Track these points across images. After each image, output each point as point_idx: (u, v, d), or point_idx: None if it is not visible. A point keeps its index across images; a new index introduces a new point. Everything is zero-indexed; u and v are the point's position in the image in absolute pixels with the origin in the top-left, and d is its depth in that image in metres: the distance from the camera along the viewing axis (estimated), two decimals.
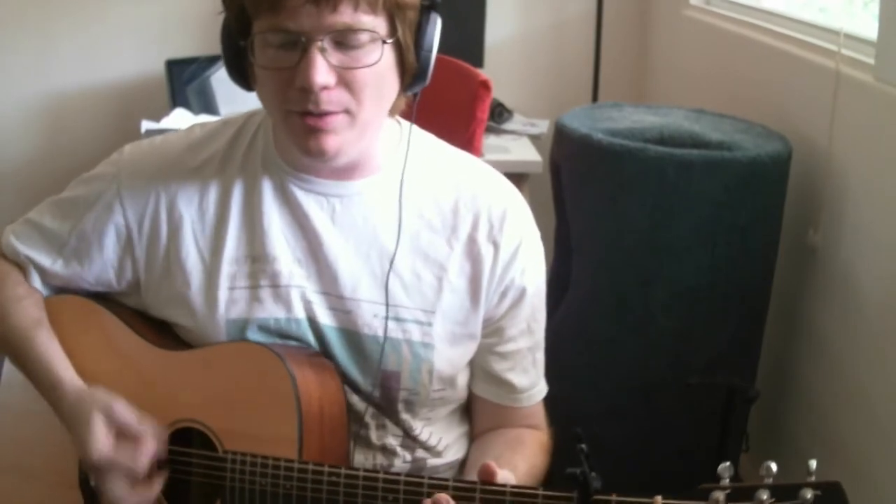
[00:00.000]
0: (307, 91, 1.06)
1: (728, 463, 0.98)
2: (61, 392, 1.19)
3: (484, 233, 1.22)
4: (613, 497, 1.00)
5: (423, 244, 1.21)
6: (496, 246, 1.22)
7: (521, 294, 1.25)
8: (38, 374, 1.21)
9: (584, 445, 0.99)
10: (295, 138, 1.12)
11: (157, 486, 1.15)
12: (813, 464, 0.96)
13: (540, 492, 1.04)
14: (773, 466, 0.96)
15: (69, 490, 1.22)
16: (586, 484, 0.99)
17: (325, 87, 1.06)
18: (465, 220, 1.22)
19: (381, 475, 1.09)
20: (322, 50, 1.05)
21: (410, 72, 1.13)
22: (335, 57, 1.06)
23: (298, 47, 1.06)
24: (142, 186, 1.23)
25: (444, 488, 1.06)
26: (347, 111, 1.10)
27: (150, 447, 1.14)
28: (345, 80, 1.08)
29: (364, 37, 1.07)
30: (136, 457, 1.13)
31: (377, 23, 1.07)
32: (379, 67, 1.09)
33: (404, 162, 1.21)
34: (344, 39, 1.06)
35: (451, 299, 1.21)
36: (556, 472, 1.24)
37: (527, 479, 1.20)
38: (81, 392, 1.18)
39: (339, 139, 1.11)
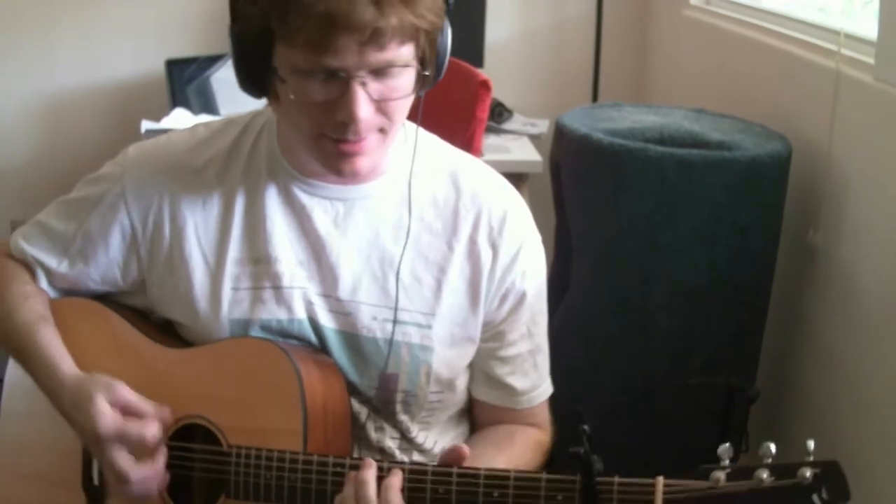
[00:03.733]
0: (348, 124, 1.07)
1: (728, 444, 0.99)
2: (59, 382, 1.19)
3: (484, 235, 1.22)
4: (616, 479, 1.01)
5: (423, 246, 1.21)
6: (496, 249, 1.22)
7: (521, 298, 1.25)
8: (38, 368, 1.22)
9: (586, 427, 0.99)
10: (326, 161, 1.13)
11: (162, 460, 1.15)
12: (811, 444, 0.97)
13: (543, 475, 1.04)
14: (772, 447, 0.97)
15: (71, 492, 1.22)
16: (589, 465, 0.99)
17: (365, 119, 1.07)
18: (465, 222, 1.22)
19: (385, 465, 1.09)
20: (363, 84, 1.05)
21: (429, 81, 1.14)
22: (374, 88, 1.07)
23: (338, 81, 1.05)
24: (146, 186, 1.23)
25: (447, 475, 1.07)
26: (381, 130, 1.11)
27: (155, 421, 1.14)
28: (381, 108, 1.09)
29: (399, 66, 1.07)
30: (143, 428, 1.13)
31: (411, 48, 1.08)
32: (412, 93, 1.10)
33: (411, 165, 1.21)
34: (382, 70, 1.06)
35: (451, 302, 1.22)
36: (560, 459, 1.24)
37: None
38: (81, 378, 1.18)
39: (371, 159, 1.13)
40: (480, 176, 1.26)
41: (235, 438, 1.16)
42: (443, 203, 1.23)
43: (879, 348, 1.92)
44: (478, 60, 3.25)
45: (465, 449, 1.09)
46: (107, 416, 1.13)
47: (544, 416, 1.34)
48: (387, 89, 1.08)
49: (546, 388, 1.32)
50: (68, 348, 1.23)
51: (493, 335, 1.26)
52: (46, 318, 1.25)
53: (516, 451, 1.26)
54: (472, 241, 1.22)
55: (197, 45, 3.29)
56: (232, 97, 2.99)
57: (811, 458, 0.96)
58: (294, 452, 1.12)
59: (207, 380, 1.19)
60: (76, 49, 3.42)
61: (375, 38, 1.02)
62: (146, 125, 2.83)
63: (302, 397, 1.13)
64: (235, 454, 1.15)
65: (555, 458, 1.29)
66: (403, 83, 1.09)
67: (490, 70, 3.06)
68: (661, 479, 0.99)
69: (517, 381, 1.28)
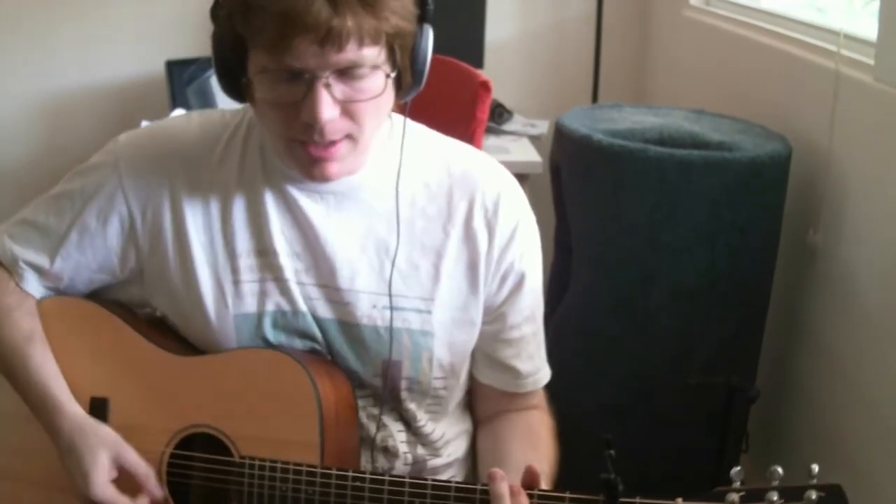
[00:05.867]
0: (312, 125, 1.07)
1: (739, 468, 1.02)
2: (59, 418, 1.18)
3: (480, 218, 1.22)
4: (637, 500, 1.02)
5: (418, 233, 1.22)
6: (492, 230, 1.22)
7: (521, 279, 1.25)
8: (31, 392, 1.21)
9: (612, 451, 1.01)
10: (298, 165, 1.14)
11: None
12: (815, 468, 1.00)
13: (567, 495, 1.05)
14: (780, 470, 1.00)
15: (68, 496, 1.21)
16: (615, 488, 1.01)
17: (330, 121, 1.07)
18: (459, 206, 1.22)
19: (407, 480, 1.09)
20: (327, 85, 1.06)
21: (406, 87, 1.14)
22: (339, 89, 1.07)
23: (302, 82, 1.06)
24: (143, 175, 1.22)
25: (471, 492, 1.07)
26: (350, 136, 1.11)
27: (150, 498, 1.15)
28: (348, 111, 1.09)
29: (366, 68, 1.07)
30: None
31: (379, 52, 1.08)
32: (380, 95, 1.10)
33: (400, 152, 1.21)
34: (347, 72, 1.07)
35: (449, 286, 1.22)
36: (562, 479, 1.24)
37: (548, 479, 1.20)
38: (85, 423, 1.18)
39: (341, 164, 1.13)
40: (471, 159, 1.26)
41: (247, 449, 1.15)
42: (435, 188, 1.23)
43: (879, 348, 1.92)
44: (478, 61, 3.24)
45: (537, 467, 1.08)
46: (102, 481, 1.14)
47: (542, 395, 1.34)
48: (352, 91, 1.08)
49: (546, 371, 1.33)
50: (62, 353, 1.22)
51: (495, 318, 1.26)
52: (34, 336, 1.23)
53: (545, 447, 1.26)
54: (468, 225, 1.22)
55: (197, 46, 3.28)
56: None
57: (815, 482, 0.99)
58: (311, 465, 1.11)
59: (217, 389, 1.18)
60: (76, 49, 3.42)
61: (332, 37, 1.02)
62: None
63: (319, 409, 1.13)
64: (248, 465, 1.14)
65: (566, 472, 1.28)
66: (370, 86, 1.08)
67: (490, 70, 3.06)
68: (680, 500, 1.01)
69: (522, 364, 1.28)
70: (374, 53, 1.07)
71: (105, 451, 1.15)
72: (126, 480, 1.16)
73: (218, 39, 1.11)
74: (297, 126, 1.08)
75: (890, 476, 1.86)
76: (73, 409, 1.19)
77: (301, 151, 1.11)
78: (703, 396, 2.11)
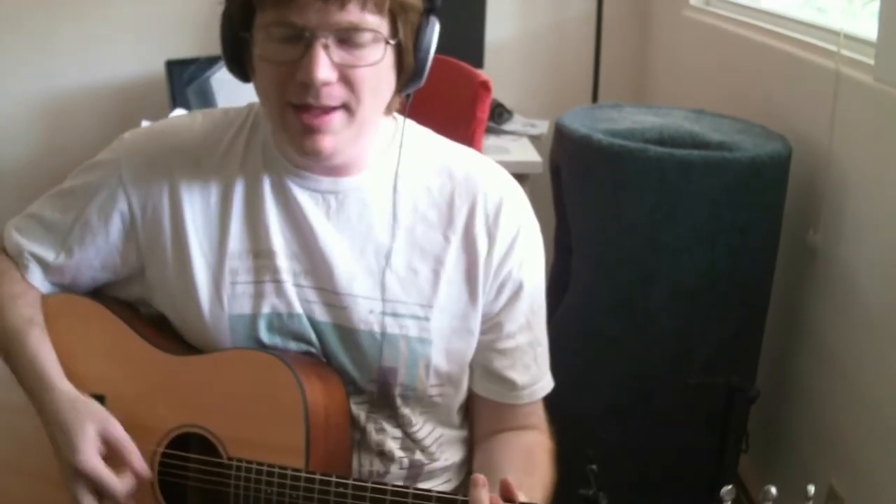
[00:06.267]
0: (308, 86, 1.07)
1: (731, 486, 0.99)
2: (51, 394, 1.18)
3: (480, 224, 1.22)
4: None
5: (418, 238, 1.21)
6: (492, 237, 1.22)
7: (519, 288, 1.24)
8: (27, 373, 1.20)
9: (594, 466, 0.99)
10: (291, 136, 1.12)
11: None
12: (811, 489, 0.97)
13: None
14: (773, 490, 0.97)
15: (59, 490, 1.20)
16: (595, 503, 0.99)
17: (325, 83, 1.07)
18: (461, 212, 1.22)
19: (389, 487, 1.09)
20: (326, 46, 1.06)
21: (407, 72, 1.14)
22: (338, 54, 1.07)
23: (302, 42, 1.06)
24: (144, 173, 1.22)
25: (454, 502, 1.06)
26: (346, 106, 1.10)
27: (134, 475, 1.14)
28: (345, 77, 1.08)
29: (367, 36, 1.08)
30: (121, 480, 1.13)
31: (381, 23, 1.08)
32: (379, 67, 1.09)
33: (398, 158, 1.21)
34: (348, 37, 1.07)
35: (449, 293, 1.21)
36: (562, 481, 1.23)
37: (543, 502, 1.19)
38: (77, 399, 1.17)
39: (335, 139, 1.11)
40: (474, 164, 1.26)
41: (235, 450, 1.15)
42: (437, 193, 1.22)
43: (879, 348, 1.92)
44: (478, 60, 3.24)
45: (512, 480, 1.07)
46: (88, 449, 1.12)
47: (542, 413, 1.32)
48: (351, 57, 1.08)
49: (547, 383, 1.31)
50: (62, 350, 1.22)
51: (491, 326, 1.25)
52: (34, 321, 1.23)
53: (542, 470, 1.24)
54: (469, 231, 1.21)
55: (197, 46, 3.28)
56: (232, 98, 2.98)
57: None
58: (296, 469, 1.11)
59: (208, 389, 1.18)
60: (76, 49, 3.42)
61: None
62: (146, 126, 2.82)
63: (305, 415, 1.12)
64: (235, 467, 1.14)
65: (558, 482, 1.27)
66: (369, 54, 1.08)
67: (490, 70, 3.06)
68: None
69: (517, 375, 1.27)
70: (376, 21, 1.07)
71: (92, 423, 1.14)
72: (113, 458, 1.15)
73: (226, 12, 1.12)
74: (293, 88, 1.08)
75: (890, 476, 1.86)
76: (63, 385, 1.19)
77: (295, 119, 1.10)
78: (703, 396, 2.11)
